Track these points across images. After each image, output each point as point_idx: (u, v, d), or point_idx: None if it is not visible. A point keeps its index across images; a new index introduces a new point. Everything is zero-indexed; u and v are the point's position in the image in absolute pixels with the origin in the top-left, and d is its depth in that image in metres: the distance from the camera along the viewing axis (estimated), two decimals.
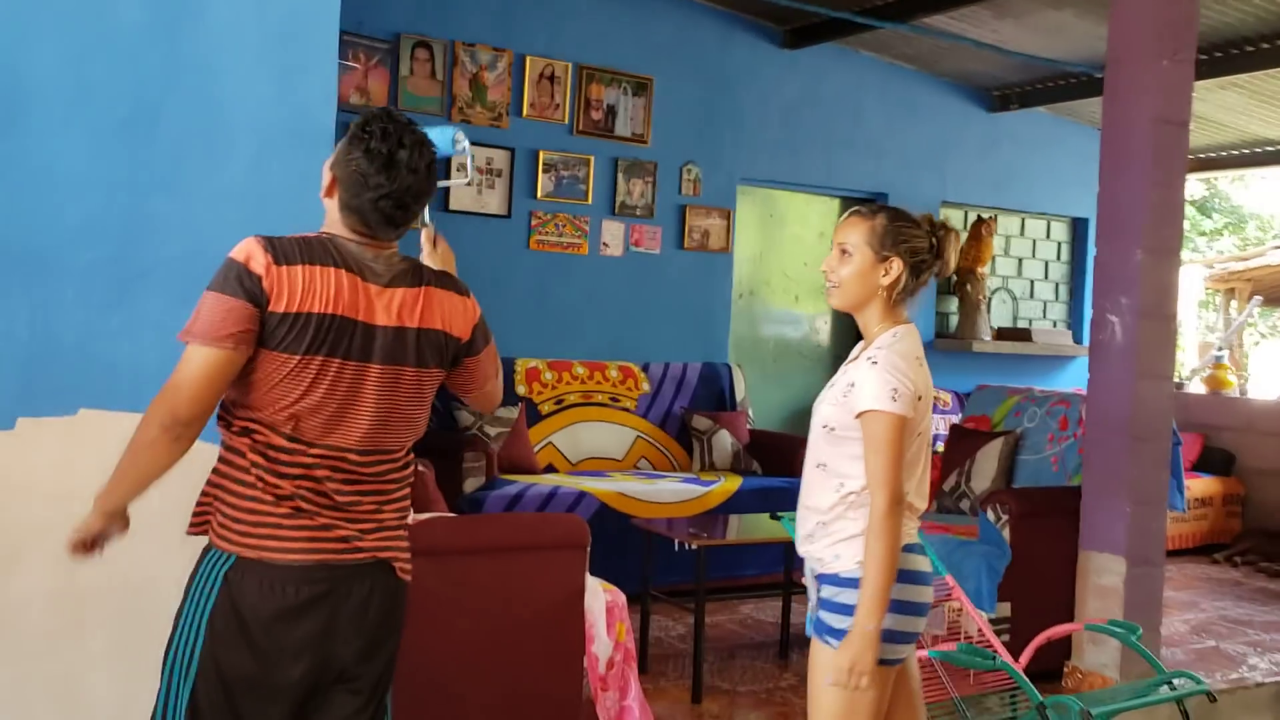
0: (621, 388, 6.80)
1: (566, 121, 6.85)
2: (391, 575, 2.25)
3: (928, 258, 2.57)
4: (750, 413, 7.22)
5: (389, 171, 2.14)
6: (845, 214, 2.63)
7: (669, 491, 6.00)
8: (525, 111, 6.70)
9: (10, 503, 2.87)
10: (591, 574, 3.66)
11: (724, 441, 6.75)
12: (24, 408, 2.90)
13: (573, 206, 6.89)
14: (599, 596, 3.64)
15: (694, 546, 4.61)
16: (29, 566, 2.86)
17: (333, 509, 2.15)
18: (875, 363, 2.48)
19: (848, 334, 8.14)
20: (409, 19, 6.35)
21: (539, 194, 6.77)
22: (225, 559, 2.12)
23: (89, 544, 2.17)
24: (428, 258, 2.49)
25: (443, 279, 2.30)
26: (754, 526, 5.32)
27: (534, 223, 6.78)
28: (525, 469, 6.10)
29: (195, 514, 2.20)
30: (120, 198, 2.97)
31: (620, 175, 7.03)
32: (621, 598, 3.71)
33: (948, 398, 8.24)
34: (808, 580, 2.63)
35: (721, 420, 6.84)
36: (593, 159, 6.92)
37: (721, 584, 5.69)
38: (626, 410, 6.75)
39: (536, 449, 6.32)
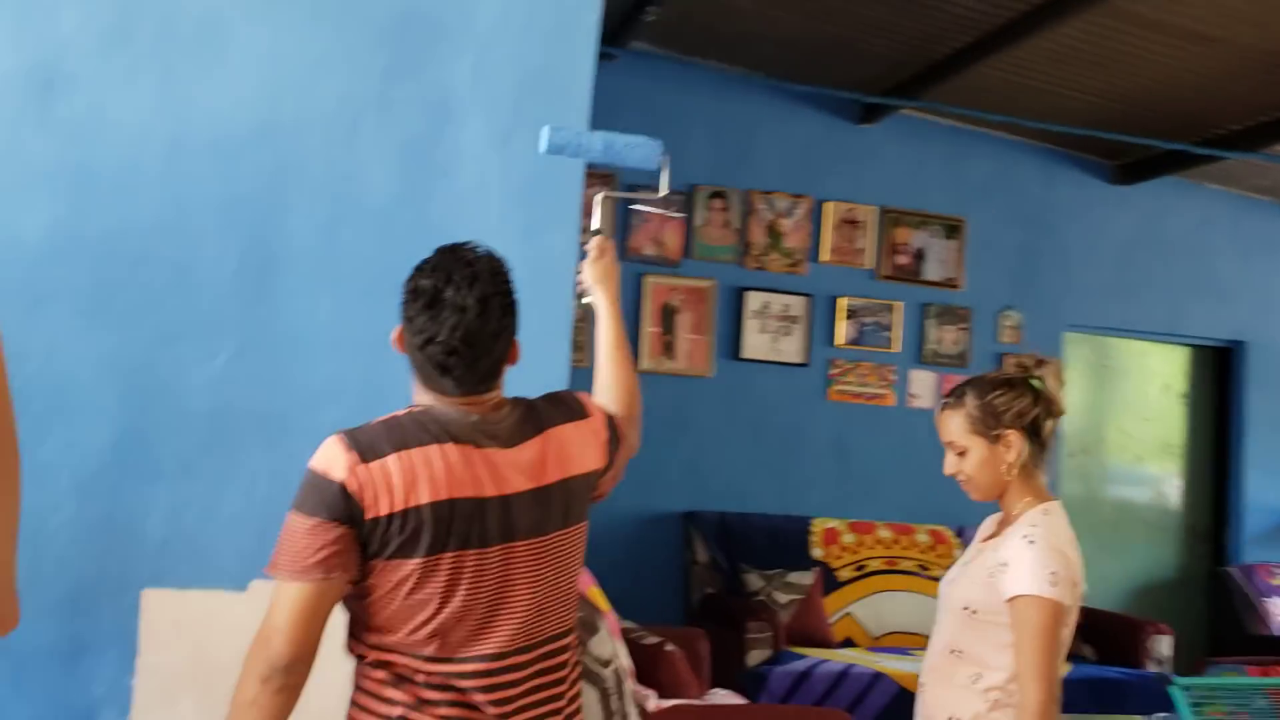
0: (931, 554, 6.22)
1: (870, 266, 6.53)
2: None
3: (1038, 411, 2.37)
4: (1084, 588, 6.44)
5: (432, 311, 1.81)
6: (938, 409, 2.46)
7: None
8: (824, 257, 6.44)
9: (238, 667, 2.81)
10: None
11: None
12: (258, 570, 2.85)
13: (876, 355, 6.51)
14: None
15: None
16: None
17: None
18: (1032, 542, 2.27)
19: (1205, 498, 7.21)
20: (706, 171, 6.28)
21: (839, 341, 6.44)
22: None
23: None
24: (588, 266, 2.29)
25: (558, 409, 1.98)
26: None
27: (833, 371, 6.45)
28: (818, 642, 5.63)
29: None
30: (361, 360, 2.93)
31: (929, 322, 6.60)
32: None
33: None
34: None
35: None
36: (900, 305, 6.54)
37: None
38: (937, 580, 6.14)
39: (832, 620, 5.85)
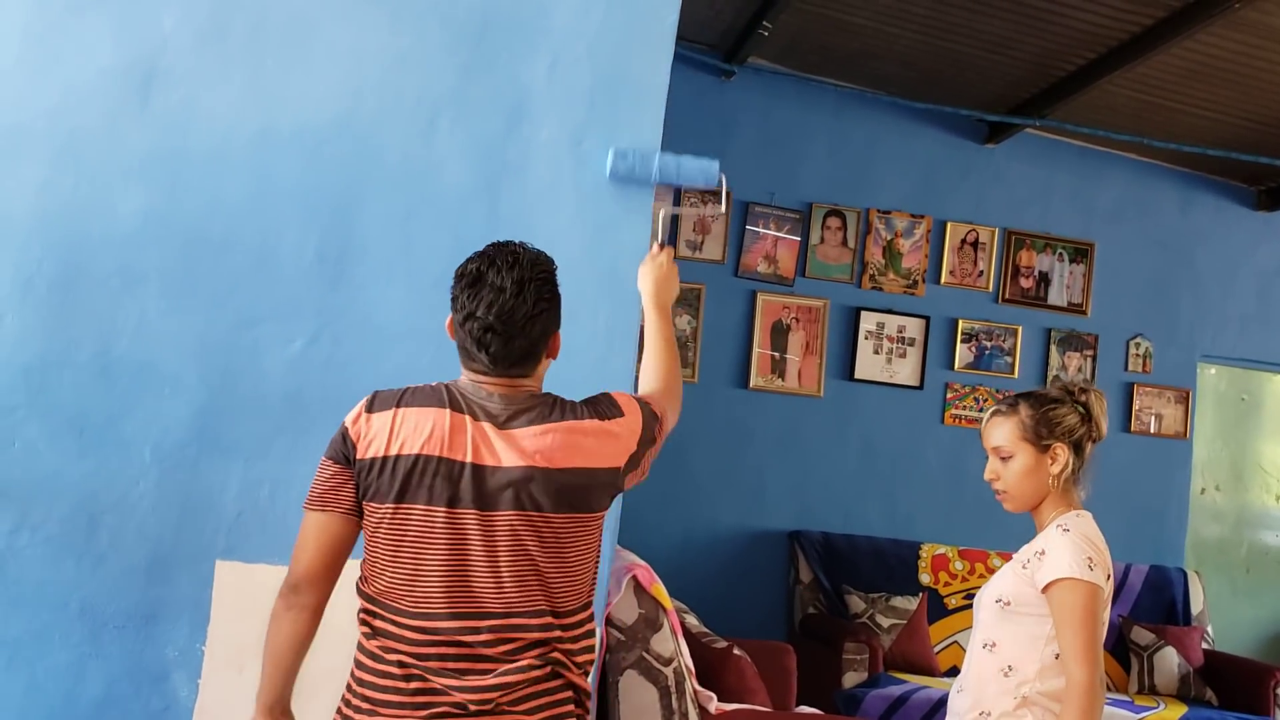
0: None
1: (990, 289, 6.37)
2: None
3: (1084, 430, 2.42)
4: (1209, 630, 6.13)
5: (473, 289, 1.96)
6: (987, 416, 2.51)
7: None
8: (944, 279, 6.32)
9: None
10: None
11: (1169, 661, 5.74)
12: None
13: (995, 380, 6.34)
14: None
15: None
16: (318, 707, 2.86)
17: (463, 691, 1.89)
18: (1067, 530, 2.32)
19: None
20: (823, 189, 6.24)
21: (956, 365, 6.30)
22: None
23: None
24: (645, 264, 2.51)
25: (588, 406, 2.03)
26: None
27: (949, 395, 6.30)
28: (921, 668, 5.49)
29: None
30: (430, 349, 3.01)
31: (1053, 348, 6.40)
32: None
33: None
34: None
35: (1169, 636, 5.84)
36: (1020, 329, 6.36)
37: None
38: None
39: (938, 648, 5.69)
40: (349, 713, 1.96)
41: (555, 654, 1.95)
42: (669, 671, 3.18)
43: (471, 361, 2.01)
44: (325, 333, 3.00)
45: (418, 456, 1.92)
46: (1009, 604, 2.34)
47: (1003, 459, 2.44)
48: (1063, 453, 2.40)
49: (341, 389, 2.99)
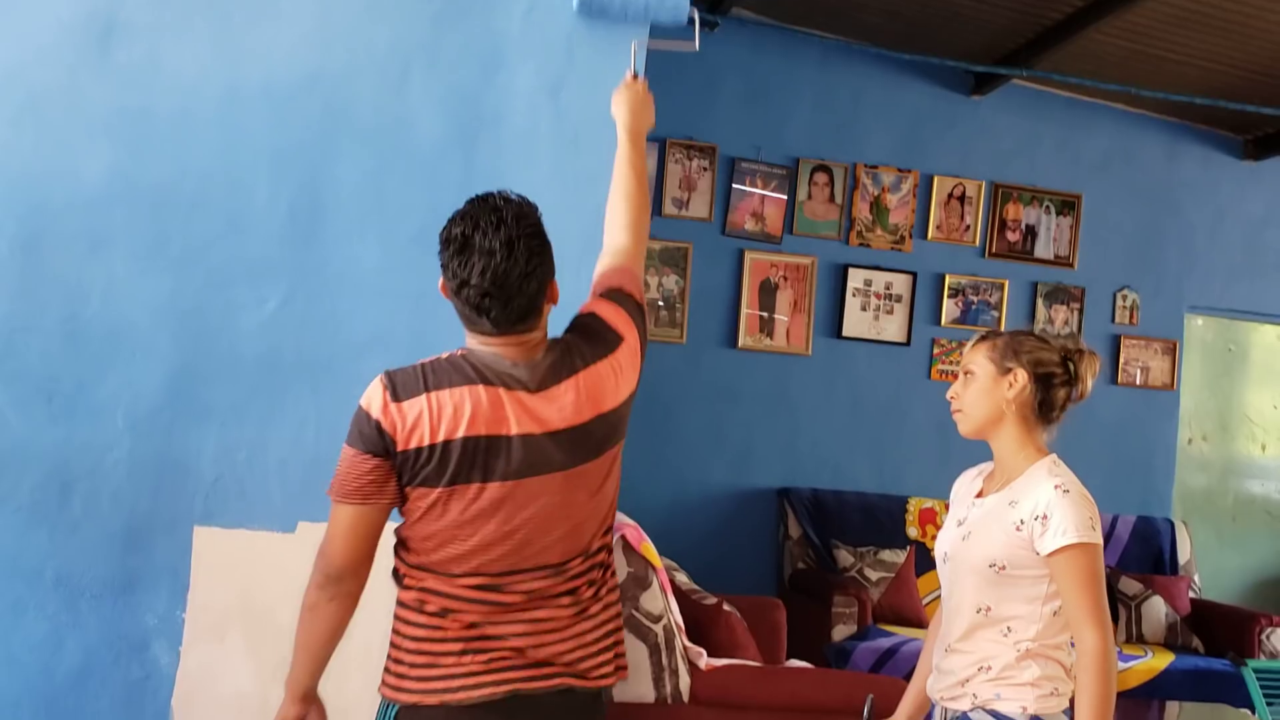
0: None
1: (977, 244, 6.32)
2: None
3: (1057, 372, 2.32)
4: (1196, 579, 6.14)
5: (462, 256, 1.92)
6: (971, 342, 2.43)
7: None
8: (930, 234, 6.26)
9: (287, 606, 2.86)
10: None
11: (1157, 610, 5.75)
12: (305, 512, 2.91)
13: None
14: None
15: None
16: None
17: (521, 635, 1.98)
18: (1067, 491, 2.22)
19: None
20: (809, 144, 6.16)
21: (943, 321, 6.25)
22: (390, 709, 2.01)
23: None
24: (620, 91, 2.47)
25: (592, 345, 2.05)
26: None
27: (936, 351, 6.26)
28: (909, 621, 5.49)
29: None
30: (407, 306, 2.95)
31: (1040, 301, 6.37)
32: None
33: None
34: None
35: (1156, 585, 5.85)
36: (1007, 283, 6.32)
37: None
38: None
39: (926, 601, 5.67)
40: (403, 670, 1.98)
41: (590, 588, 2.06)
42: (658, 629, 3.15)
43: (475, 325, 1.99)
44: (299, 292, 2.93)
45: (466, 439, 1.91)
46: (1004, 568, 2.25)
47: (967, 375, 2.39)
48: (1021, 378, 2.31)
49: (317, 349, 2.94)
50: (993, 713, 2.26)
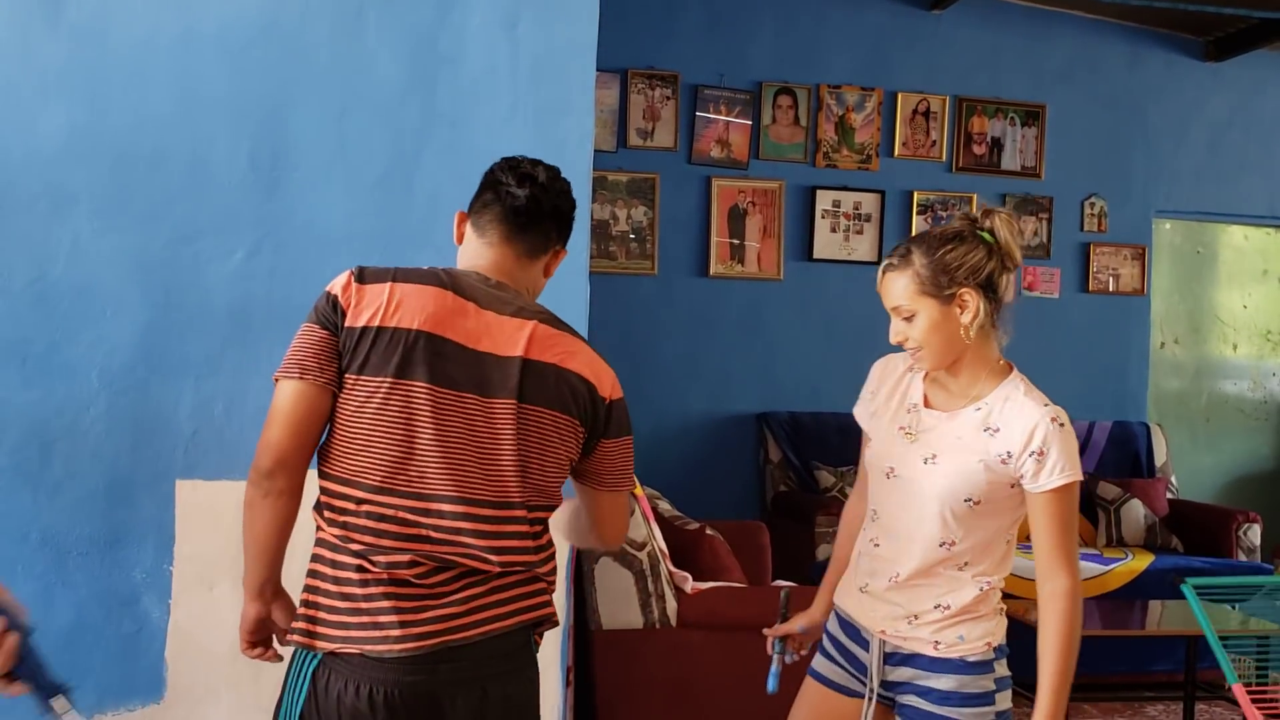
0: None
1: (944, 159, 6.33)
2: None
3: (993, 266, 2.09)
4: (1173, 480, 6.25)
5: (514, 173, 2.02)
6: (880, 274, 2.19)
7: None
8: (897, 152, 6.27)
9: None
10: None
11: (1136, 513, 5.86)
12: None
13: None
14: None
15: None
16: None
17: (444, 584, 1.87)
18: (1062, 425, 2.07)
19: None
20: (771, 67, 6.14)
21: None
22: (311, 657, 1.87)
23: (252, 632, 2.02)
24: None
25: (586, 349, 2.00)
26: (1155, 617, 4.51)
27: None
28: None
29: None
30: (376, 251, 2.93)
31: None
32: None
33: None
34: (872, 658, 2.20)
35: (1134, 488, 5.95)
36: (975, 197, 6.33)
37: (1099, 679, 4.89)
38: None
39: None
40: (321, 615, 1.86)
41: (526, 557, 1.92)
42: (643, 556, 3.20)
43: (486, 225, 2.00)
44: (266, 242, 2.91)
45: (419, 333, 1.84)
46: (979, 503, 2.10)
47: (905, 319, 2.13)
48: (972, 298, 2.08)
49: (288, 299, 2.92)
50: (961, 660, 2.13)
